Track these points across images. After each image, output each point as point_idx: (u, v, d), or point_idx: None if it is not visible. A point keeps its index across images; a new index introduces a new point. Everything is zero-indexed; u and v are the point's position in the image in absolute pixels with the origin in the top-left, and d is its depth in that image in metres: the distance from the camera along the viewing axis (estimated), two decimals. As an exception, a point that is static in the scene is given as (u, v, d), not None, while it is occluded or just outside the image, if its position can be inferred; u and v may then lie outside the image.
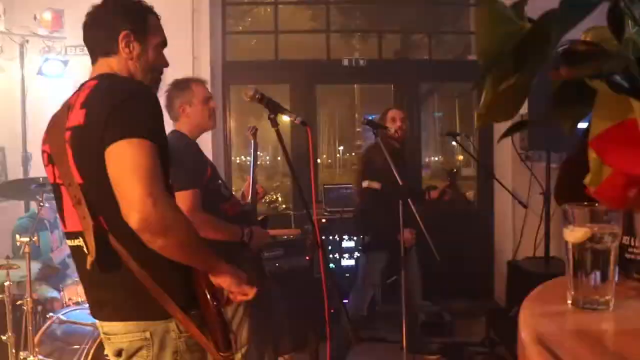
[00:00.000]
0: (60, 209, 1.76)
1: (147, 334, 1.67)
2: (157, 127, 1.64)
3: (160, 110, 1.67)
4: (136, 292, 1.63)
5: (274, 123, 2.37)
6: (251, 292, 1.81)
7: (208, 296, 1.70)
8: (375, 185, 3.98)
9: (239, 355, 3.15)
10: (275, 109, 2.43)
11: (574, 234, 0.86)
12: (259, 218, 3.30)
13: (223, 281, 1.74)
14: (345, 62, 5.52)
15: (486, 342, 4.48)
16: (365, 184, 4.02)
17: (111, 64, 1.78)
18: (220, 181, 3.04)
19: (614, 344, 0.77)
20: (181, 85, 3.02)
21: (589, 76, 0.62)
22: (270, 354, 3.32)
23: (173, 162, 2.88)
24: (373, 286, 4.14)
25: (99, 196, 1.59)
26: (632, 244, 1.02)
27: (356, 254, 4.79)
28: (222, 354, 1.70)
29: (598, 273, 0.86)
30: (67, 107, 1.71)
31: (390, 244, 3.97)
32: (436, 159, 7.83)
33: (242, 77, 5.21)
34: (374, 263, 4.10)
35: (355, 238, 4.84)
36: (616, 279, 0.88)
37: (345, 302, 4.32)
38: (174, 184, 2.81)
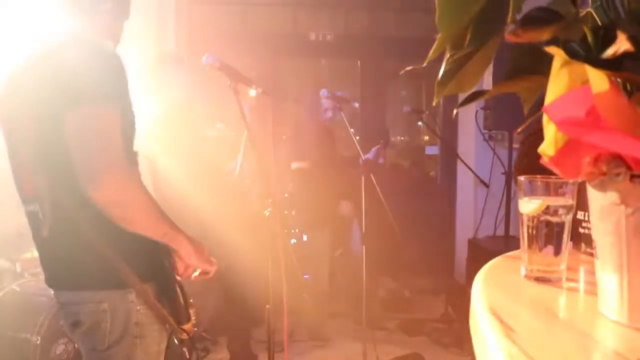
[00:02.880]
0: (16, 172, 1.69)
1: (105, 305, 1.62)
2: (121, 93, 1.58)
3: (125, 75, 1.61)
4: (93, 261, 1.59)
5: (234, 92, 2.34)
6: (212, 268, 1.79)
7: (167, 266, 1.67)
8: (304, 165, 4.01)
9: (200, 328, 3.15)
10: (235, 77, 2.39)
11: (529, 206, 0.86)
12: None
13: (184, 255, 1.70)
14: (312, 36, 5.46)
15: (445, 318, 4.56)
16: (294, 165, 4.05)
17: (76, 25, 1.69)
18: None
19: (565, 314, 0.77)
20: None
21: (545, 41, 0.61)
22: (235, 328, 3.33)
23: None
24: (325, 263, 4.17)
25: (56, 162, 1.54)
26: (586, 218, 1.03)
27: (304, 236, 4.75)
28: (180, 326, 1.67)
29: (551, 245, 0.87)
30: (23, 67, 1.63)
31: (330, 219, 4.04)
32: (402, 138, 7.84)
33: (207, 48, 5.11)
34: (320, 241, 4.15)
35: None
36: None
37: (306, 277, 4.35)
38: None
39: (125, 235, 1.56)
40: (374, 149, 4.18)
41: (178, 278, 1.70)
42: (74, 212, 1.56)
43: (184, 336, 1.69)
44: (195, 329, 1.77)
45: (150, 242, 1.64)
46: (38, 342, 2.80)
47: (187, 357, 1.72)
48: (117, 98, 1.54)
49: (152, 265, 1.68)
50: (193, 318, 1.73)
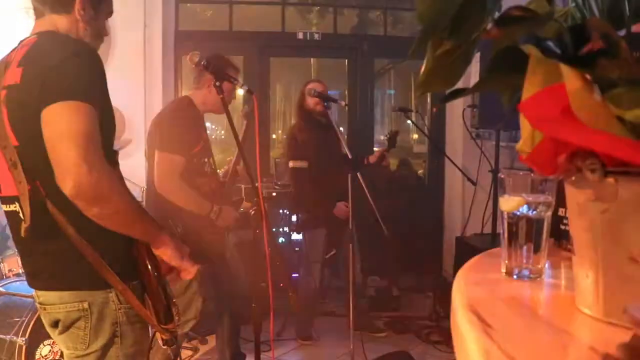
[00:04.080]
0: None
1: (85, 304, 1.62)
2: (99, 91, 1.57)
3: (104, 73, 1.61)
4: (74, 261, 1.58)
5: (219, 90, 2.33)
6: (193, 269, 1.77)
7: (149, 267, 1.66)
8: (301, 164, 3.99)
9: (186, 328, 3.14)
10: (221, 76, 2.39)
11: (509, 203, 0.87)
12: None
13: (163, 254, 1.68)
14: (300, 35, 5.46)
15: (433, 316, 4.58)
16: (291, 164, 4.04)
17: (57, 23, 1.68)
18: (206, 159, 3.04)
19: (543, 310, 0.78)
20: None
21: (521, 40, 0.62)
22: (223, 327, 3.33)
23: (171, 124, 2.90)
24: (317, 262, 4.17)
25: (36, 160, 1.53)
26: (567, 215, 1.04)
27: (295, 234, 4.75)
28: (163, 326, 1.66)
29: (531, 242, 0.87)
30: (5, 64, 1.62)
31: (326, 219, 4.03)
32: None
33: (195, 48, 5.08)
34: (314, 240, 4.15)
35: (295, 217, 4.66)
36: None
37: (295, 277, 4.35)
38: (164, 144, 2.81)
39: (106, 234, 1.54)
40: (378, 151, 4.21)
41: (161, 278, 1.69)
42: (54, 211, 1.55)
43: (167, 336, 1.68)
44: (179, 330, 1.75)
45: (132, 241, 1.63)
46: (23, 343, 2.79)
47: (172, 356, 1.71)
48: (94, 95, 1.53)
49: (133, 265, 1.66)
50: (176, 318, 1.72)
